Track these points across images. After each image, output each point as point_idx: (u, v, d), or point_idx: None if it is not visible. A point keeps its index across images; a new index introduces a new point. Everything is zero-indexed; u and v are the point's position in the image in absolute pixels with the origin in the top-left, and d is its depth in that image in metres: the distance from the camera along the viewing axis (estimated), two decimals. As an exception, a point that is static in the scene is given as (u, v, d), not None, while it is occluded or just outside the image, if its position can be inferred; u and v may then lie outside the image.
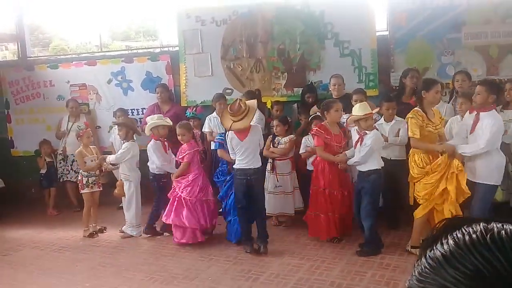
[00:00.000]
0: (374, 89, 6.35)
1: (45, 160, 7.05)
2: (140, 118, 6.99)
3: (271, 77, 6.72)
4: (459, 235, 0.53)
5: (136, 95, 7.18)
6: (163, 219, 5.32)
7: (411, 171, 4.52)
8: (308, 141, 5.50)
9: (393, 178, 5.22)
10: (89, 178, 5.74)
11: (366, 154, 4.55)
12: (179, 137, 5.27)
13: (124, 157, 5.55)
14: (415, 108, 4.47)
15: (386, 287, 3.90)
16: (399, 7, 6.30)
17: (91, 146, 5.90)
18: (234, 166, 4.90)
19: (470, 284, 0.48)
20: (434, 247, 0.55)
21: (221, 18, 6.77)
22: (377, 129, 4.82)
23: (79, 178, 5.83)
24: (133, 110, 7.13)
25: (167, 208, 5.26)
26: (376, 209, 4.71)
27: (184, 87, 6.96)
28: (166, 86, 6.90)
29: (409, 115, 4.44)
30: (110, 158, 5.67)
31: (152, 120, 5.48)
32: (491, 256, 0.48)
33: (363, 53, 6.40)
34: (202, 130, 6.27)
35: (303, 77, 6.59)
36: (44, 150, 7.06)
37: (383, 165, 4.70)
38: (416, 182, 4.47)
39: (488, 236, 0.51)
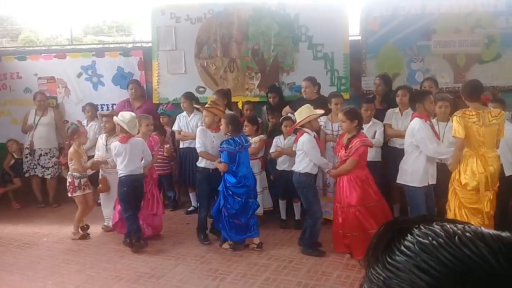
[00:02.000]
0: (345, 93, 6.42)
1: (13, 156, 6.88)
2: (110, 114, 6.88)
3: (245, 77, 6.72)
4: (423, 240, 0.51)
5: (107, 90, 7.04)
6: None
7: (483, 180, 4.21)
8: (278, 141, 5.52)
9: None
10: (81, 180, 5.41)
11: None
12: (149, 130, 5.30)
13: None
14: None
15: (351, 288, 3.96)
16: (372, 13, 6.40)
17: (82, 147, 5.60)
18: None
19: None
20: (392, 254, 0.52)
21: (196, 16, 6.73)
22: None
23: (69, 180, 5.41)
24: (103, 106, 7.00)
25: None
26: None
27: (157, 84, 6.88)
28: (139, 82, 6.81)
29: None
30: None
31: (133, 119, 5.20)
32: (465, 258, 0.47)
33: (336, 57, 6.47)
34: (172, 128, 6.23)
35: (276, 78, 6.61)
36: (11, 147, 6.86)
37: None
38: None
39: (456, 238, 0.50)
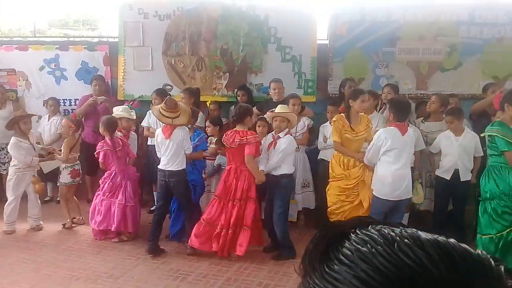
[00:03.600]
0: (312, 96, 6.50)
1: None
2: (72, 109, 6.69)
3: (213, 76, 6.68)
4: (362, 248, 0.50)
5: (70, 85, 6.85)
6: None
7: (331, 171, 4.76)
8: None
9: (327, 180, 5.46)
10: None
11: (280, 159, 4.59)
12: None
13: None
14: (340, 114, 4.76)
15: (311, 289, 3.99)
16: (340, 18, 6.49)
17: None
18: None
19: None
20: (330, 263, 0.50)
21: (165, 13, 6.64)
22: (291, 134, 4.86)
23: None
24: (65, 100, 6.81)
25: None
26: (287, 214, 4.81)
27: (122, 80, 6.75)
28: (103, 78, 6.66)
29: (334, 118, 4.76)
30: None
31: (117, 111, 5.39)
32: (405, 266, 0.47)
33: (304, 60, 6.52)
34: (141, 124, 6.13)
35: (244, 79, 6.61)
36: None
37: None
38: (334, 181, 4.71)
39: (396, 245, 0.49)
